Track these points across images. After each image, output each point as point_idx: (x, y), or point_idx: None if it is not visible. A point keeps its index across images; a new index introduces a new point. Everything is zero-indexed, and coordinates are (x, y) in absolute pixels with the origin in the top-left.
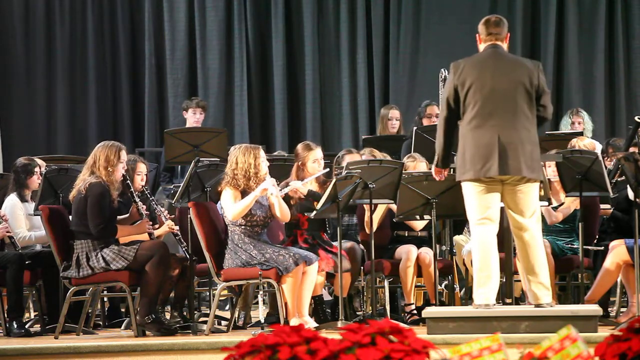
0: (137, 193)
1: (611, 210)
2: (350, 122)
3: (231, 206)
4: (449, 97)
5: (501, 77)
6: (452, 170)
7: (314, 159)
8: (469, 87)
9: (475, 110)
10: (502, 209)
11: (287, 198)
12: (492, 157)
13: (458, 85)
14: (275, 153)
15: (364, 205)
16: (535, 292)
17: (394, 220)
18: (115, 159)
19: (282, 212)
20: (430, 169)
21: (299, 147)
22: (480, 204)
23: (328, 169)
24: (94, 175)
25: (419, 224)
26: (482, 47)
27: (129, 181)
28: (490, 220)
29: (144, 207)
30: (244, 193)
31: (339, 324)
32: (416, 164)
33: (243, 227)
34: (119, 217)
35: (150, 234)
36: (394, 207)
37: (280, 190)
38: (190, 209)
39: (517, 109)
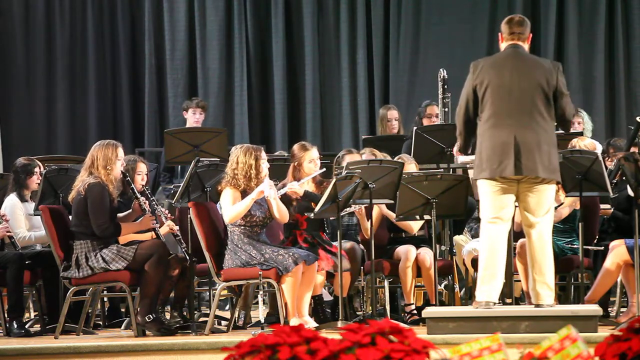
0: (138, 191)
1: (611, 210)
2: (350, 122)
3: (228, 208)
4: (467, 96)
5: (519, 78)
6: (451, 170)
7: (310, 159)
8: (487, 87)
9: (493, 110)
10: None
11: (286, 199)
12: (508, 156)
13: (477, 85)
14: (276, 153)
15: (356, 213)
16: (539, 291)
17: (394, 220)
18: (113, 157)
19: (280, 213)
20: (420, 169)
21: (295, 147)
22: (495, 204)
23: (324, 169)
24: (93, 175)
25: (414, 226)
26: (503, 46)
27: (128, 178)
28: (502, 220)
29: (146, 202)
30: (244, 193)
31: (339, 324)
32: (406, 166)
33: (242, 227)
34: (122, 213)
35: (154, 230)
36: (388, 212)
37: (277, 191)
38: (190, 209)
39: (533, 109)
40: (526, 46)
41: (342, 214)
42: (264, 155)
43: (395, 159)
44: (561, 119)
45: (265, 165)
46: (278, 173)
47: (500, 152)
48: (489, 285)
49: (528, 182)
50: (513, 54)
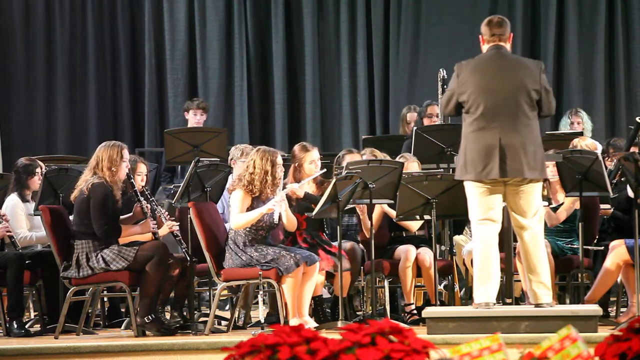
0: (139, 193)
1: (611, 210)
2: (350, 122)
3: (236, 214)
4: (450, 97)
5: (503, 79)
6: (451, 170)
7: (310, 160)
8: (471, 90)
9: (478, 113)
10: (504, 208)
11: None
12: (492, 159)
13: (460, 87)
14: None
15: (357, 209)
16: (536, 291)
17: (394, 220)
18: (118, 159)
19: (290, 222)
20: (422, 169)
21: (296, 148)
22: (483, 205)
23: (325, 170)
24: (97, 176)
25: (414, 225)
26: (485, 47)
27: (132, 180)
28: (492, 220)
29: (148, 206)
30: (255, 198)
31: (339, 324)
32: (407, 164)
33: (247, 230)
34: (123, 216)
35: (154, 234)
36: (389, 210)
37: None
38: (190, 209)
39: (518, 110)
40: (508, 46)
41: (342, 213)
42: (279, 159)
43: (398, 157)
44: (547, 114)
45: (280, 171)
46: None
47: (485, 155)
48: (485, 287)
49: (514, 183)
50: (496, 55)
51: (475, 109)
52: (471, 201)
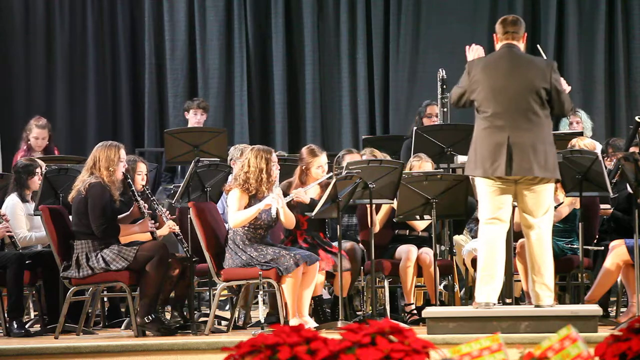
0: (137, 193)
1: (611, 210)
2: (350, 122)
3: (234, 212)
4: (462, 93)
5: (513, 78)
6: (451, 170)
7: (318, 165)
8: (482, 88)
9: (489, 112)
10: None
11: (289, 202)
12: (500, 157)
13: (471, 85)
14: (276, 153)
15: (367, 205)
16: (538, 292)
17: (394, 220)
18: (115, 159)
19: (288, 220)
20: (435, 168)
21: (304, 151)
22: (493, 204)
23: (332, 173)
24: (94, 176)
25: (420, 224)
26: (498, 46)
27: (130, 180)
28: (500, 220)
29: (146, 206)
30: (252, 197)
31: (339, 324)
32: (421, 164)
33: (246, 229)
34: (121, 215)
35: (152, 233)
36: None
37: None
38: (190, 209)
39: (528, 109)
40: (522, 45)
41: (342, 213)
42: (274, 157)
43: (412, 157)
44: (560, 114)
45: (275, 169)
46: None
47: (493, 153)
48: (488, 287)
49: (525, 182)
50: (507, 53)
51: (486, 108)
52: (482, 199)
